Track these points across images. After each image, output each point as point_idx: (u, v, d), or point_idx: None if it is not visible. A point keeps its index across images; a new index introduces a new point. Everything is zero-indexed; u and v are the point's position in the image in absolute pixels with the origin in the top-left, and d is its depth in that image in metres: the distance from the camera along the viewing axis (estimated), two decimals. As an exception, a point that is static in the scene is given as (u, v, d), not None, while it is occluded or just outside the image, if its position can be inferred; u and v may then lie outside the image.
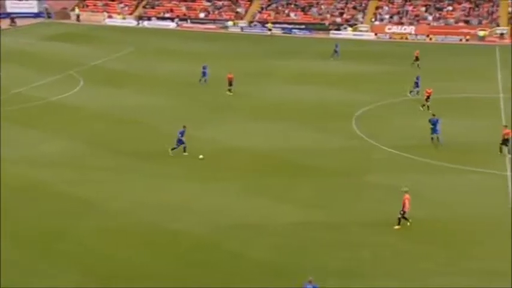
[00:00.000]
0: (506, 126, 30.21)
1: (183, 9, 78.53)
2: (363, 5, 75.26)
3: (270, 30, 71.35)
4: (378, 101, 40.60)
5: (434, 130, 31.37)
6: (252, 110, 38.84)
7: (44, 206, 24.47)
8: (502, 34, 66.35)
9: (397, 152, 30.69)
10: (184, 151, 30.05)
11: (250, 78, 45.39)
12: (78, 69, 49.83)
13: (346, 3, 76.07)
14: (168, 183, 26.95)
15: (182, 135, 30.05)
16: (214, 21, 75.68)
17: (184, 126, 30.35)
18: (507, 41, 65.45)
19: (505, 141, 29.62)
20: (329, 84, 45.60)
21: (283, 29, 72.25)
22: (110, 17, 78.40)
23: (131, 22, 77.05)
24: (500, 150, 29.76)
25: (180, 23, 75.76)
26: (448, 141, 32.09)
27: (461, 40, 66.89)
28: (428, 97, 37.90)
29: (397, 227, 22.64)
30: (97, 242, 21.75)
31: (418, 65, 50.27)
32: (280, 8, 76.76)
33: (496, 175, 27.63)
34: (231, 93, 41.83)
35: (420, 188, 26.19)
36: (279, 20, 73.85)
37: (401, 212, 22.63)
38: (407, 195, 22.77)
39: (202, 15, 77.20)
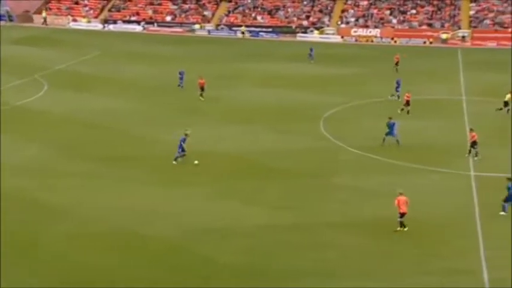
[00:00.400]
0: (472, 130, 31.01)
1: (150, 12, 78.15)
2: (329, 8, 76.24)
3: (243, 33, 71.63)
4: (345, 103, 41.25)
5: (390, 133, 32.03)
6: (221, 113, 39.01)
7: (14, 213, 24.13)
8: (463, 37, 68.11)
9: (363, 153, 31.28)
10: (175, 160, 29.58)
11: (219, 82, 45.57)
12: (42, 73, 49.16)
13: (313, 7, 76.94)
14: (138, 188, 26.90)
15: (184, 142, 29.59)
16: (181, 24, 75.52)
17: (186, 135, 29.83)
18: (468, 43, 67.26)
19: (473, 144, 30.45)
20: (297, 87, 46.11)
21: (250, 32, 72.64)
22: (74, 20, 77.46)
23: (97, 25, 76.30)
24: (469, 152, 30.57)
25: (146, 26, 75.39)
26: (413, 142, 32.86)
27: (425, 43, 68.40)
28: (407, 101, 38.32)
29: (400, 228, 22.73)
30: (69, 249, 21.60)
31: (396, 69, 50.70)
32: (247, 11, 77.13)
33: (459, 175, 28.42)
34: (202, 99, 41.71)
35: (386, 189, 26.77)
36: (246, 23, 74.19)
37: (399, 215, 22.71)
38: (400, 197, 22.95)
39: (168, 18, 76.97)
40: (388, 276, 20.22)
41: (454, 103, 41.55)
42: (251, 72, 51.77)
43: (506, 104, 38.47)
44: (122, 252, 21.42)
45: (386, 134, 32.18)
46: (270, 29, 73.18)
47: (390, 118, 32.67)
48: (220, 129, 35.33)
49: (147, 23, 75.88)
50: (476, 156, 30.21)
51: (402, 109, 38.24)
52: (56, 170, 28.80)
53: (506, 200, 24.15)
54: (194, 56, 59.03)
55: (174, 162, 29.55)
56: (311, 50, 57.17)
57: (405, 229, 22.81)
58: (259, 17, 75.81)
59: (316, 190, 26.95)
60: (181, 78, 44.87)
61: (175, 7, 78.89)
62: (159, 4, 79.38)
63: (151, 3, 79.40)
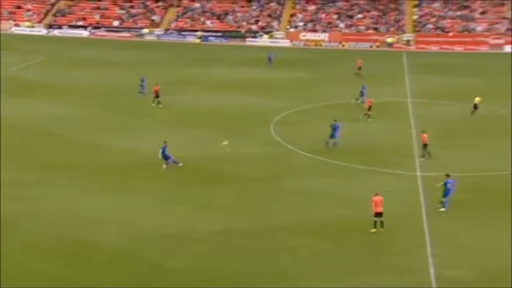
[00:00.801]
0: (424, 131, 31.87)
1: (96, 17, 76.86)
2: (278, 12, 77.03)
3: (199, 38, 71.38)
4: (295, 106, 41.75)
5: (333, 135, 32.70)
6: (172, 118, 38.80)
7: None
8: (408, 41, 70.19)
9: (314, 157, 31.77)
10: (165, 165, 29.57)
11: (170, 87, 45.28)
12: (-16, 80, 47.58)
13: (262, 11, 77.53)
14: (86, 195, 26.44)
15: (165, 151, 29.53)
16: (129, 29, 74.65)
17: (164, 142, 29.89)
18: (413, 47, 69.34)
19: (425, 146, 31.38)
20: (248, 91, 46.38)
21: (200, 36, 72.53)
22: (16, 25, 75.32)
23: (41, 30, 74.43)
24: (424, 156, 31.41)
25: (93, 31, 74.11)
26: (361, 144, 33.63)
27: (371, 47, 70.08)
28: (370, 107, 38.92)
29: (374, 230, 23.22)
30: (20, 258, 21.11)
31: (359, 74, 51.23)
32: (196, 16, 77.01)
33: (406, 176, 29.28)
34: (161, 105, 41.26)
35: (337, 190, 27.33)
36: (195, 28, 74.05)
37: (375, 215, 23.19)
38: (376, 197, 23.42)
39: (116, 23, 75.92)
40: (338, 277, 20.59)
41: (400, 105, 42.72)
42: (201, 77, 51.70)
43: (475, 106, 39.75)
44: (71, 260, 21.02)
45: (330, 137, 32.79)
46: (220, 34, 73.32)
47: (335, 121, 33.34)
48: (171, 134, 35.07)
49: (94, 28, 74.60)
50: (423, 157, 31.19)
51: (365, 114, 38.80)
52: (3, 179, 27.92)
53: (444, 196, 25.09)
54: (144, 61, 58.44)
55: (164, 166, 29.59)
56: (270, 54, 57.39)
57: (381, 229, 23.26)
58: (208, 22, 75.82)
59: (267, 194, 27.18)
60: (142, 86, 44.14)
61: (122, 12, 77.90)
62: (106, 9, 78.21)
63: (98, 8, 78.14)
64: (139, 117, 39.01)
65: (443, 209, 25.09)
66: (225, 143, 29.39)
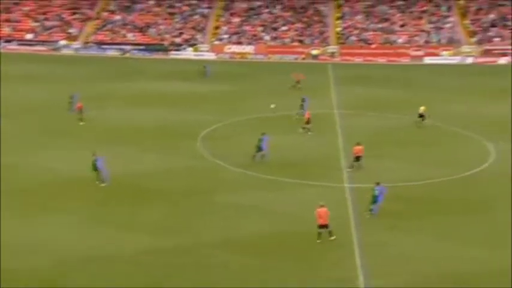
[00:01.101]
0: (358, 144, 32.71)
1: (7, 30, 74.07)
2: (202, 25, 77.30)
3: (124, 51, 70.30)
4: (223, 120, 41.95)
5: (261, 148, 33.09)
6: (93, 135, 37.91)
7: None
8: (333, 53, 72.38)
9: (242, 171, 31.99)
10: (101, 181, 28.94)
11: (92, 102, 44.23)
12: None
13: (185, 24, 77.55)
14: (5, 220, 25.21)
15: (98, 163, 28.83)
16: (43, 42, 72.42)
17: (93, 154, 29.36)
18: (338, 59, 71.55)
19: (357, 158, 32.19)
20: (173, 105, 46.11)
21: (121, 49, 71.53)
22: None
23: None
24: (352, 166, 32.28)
25: (4, 45, 71.29)
26: (289, 157, 34.21)
27: (296, 59, 71.64)
28: (308, 120, 39.25)
29: (319, 240, 23.65)
30: None
31: (299, 87, 51.63)
32: (116, 28, 75.89)
33: (334, 187, 30.02)
34: (82, 123, 40.15)
35: (266, 204, 27.61)
36: (116, 41, 72.95)
37: (318, 226, 23.59)
38: (320, 209, 23.81)
39: (29, 36, 73.49)
40: (271, 292, 20.78)
41: (327, 117, 43.83)
42: (124, 91, 50.94)
43: (421, 116, 41.17)
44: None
45: (258, 150, 33.16)
46: (142, 47, 72.59)
47: (263, 134, 33.78)
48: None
49: (6, 41, 71.83)
50: (351, 167, 32.06)
51: (304, 127, 39.26)
52: None
53: (373, 203, 26.02)
54: (62, 76, 56.87)
55: (102, 184, 29.03)
56: (205, 67, 57.28)
57: (332, 238, 23.72)
58: (129, 35, 74.91)
59: (196, 210, 27.07)
60: (71, 102, 42.69)
61: (36, 24, 75.54)
62: (18, 21, 75.56)
63: (8, 20, 75.34)
64: (60, 134, 37.88)
65: (370, 214, 26.00)
66: (273, 106, 29.18)
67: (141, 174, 31.05)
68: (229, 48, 73.39)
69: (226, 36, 75.72)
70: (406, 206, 27.50)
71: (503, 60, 69.24)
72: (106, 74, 59.08)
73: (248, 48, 73.43)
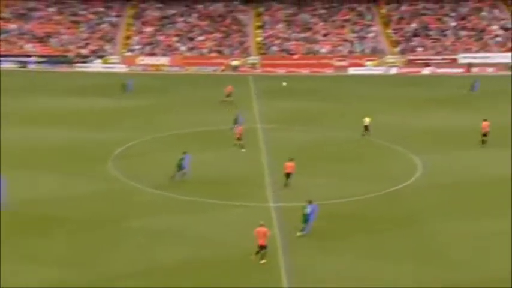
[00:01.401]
0: (291, 160, 32.86)
1: None
2: (111, 35, 76.12)
3: (22, 64, 68.03)
4: (138, 137, 41.29)
5: (181, 167, 32.97)
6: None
7: None
8: (254, 64, 73.32)
9: (160, 192, 31.53)
10: None
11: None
12: None
13: (92, 33, 76.10)
14: None
15: None
16: None
17: None
18: (259, 70, 72.54)
19: (287, 175, 32.46)
20: (81, 123, 44.92)
21: (18, 62, 69.10)
22: None
23: None
24: (286, 184, 32.52)
25: None
26: (211, 176, 34.09)
27: (215, 70, 71.98)
28: (240, 135, 39.22)
29: (263, 261, 23.69)
30: None
31: (231, 101, 51.50)
32: (12, 38, 73.30)
33: (259, 207, 30.16)
34: None
35: (186, 228, 27.31)
36: (12, 53, 70.43)
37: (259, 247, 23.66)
38: (259, 229, 23.91)
39: None
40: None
41: (249, 132, 44.11)
42: (23, 109, 49.14)
43: (366, 128, 42.11)
44: None
45: (178, 169, 32.95)
46: (44, 59, 70.50)
47: (185, 152, 33.60)
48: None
49: None
50: (286, 186, 32.39)
51: (235, 144, 39.17)
52: None
53: (304, 222, 26.46)
54: None
55: None
56: (129, 81, 56.52)
57: (263, 261, 23.69)
58: (28, 45, 72.54)
59: (105, 238, 26.29)
60: None
61: None
62: None
63: None
64: None
65: (301, 233, 26.33)
66: (284, 84, 28.33)
67: (44, 201, 29.89)
68: (142, 60, 72.68)
69: (138, 47, 74.95)
70: (333, 225, 28.02)
71: (426, 71, 72.78)
72: (2, 89, 56.75)
73: (163, 60, 73.02)
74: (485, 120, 40.92)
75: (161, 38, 76.68)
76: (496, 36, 77.24)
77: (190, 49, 75.64)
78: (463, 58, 73.93)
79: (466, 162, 37.69)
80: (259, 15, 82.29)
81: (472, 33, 77.89)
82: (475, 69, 72.22)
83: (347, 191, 32.20)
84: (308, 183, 32.96)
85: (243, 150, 38.96)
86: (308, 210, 26.56)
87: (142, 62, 72.42)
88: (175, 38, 76.95)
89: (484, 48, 75.42)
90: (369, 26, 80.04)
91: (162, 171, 33.98)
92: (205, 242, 26.03)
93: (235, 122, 42.56)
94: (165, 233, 26.78)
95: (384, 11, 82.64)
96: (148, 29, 77.94)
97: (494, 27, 78.74)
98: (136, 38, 76.40)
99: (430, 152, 39.15)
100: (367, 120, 42.73)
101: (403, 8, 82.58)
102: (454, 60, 74.10)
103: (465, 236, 26.96)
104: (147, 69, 71.46)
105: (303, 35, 78.30)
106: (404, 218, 29.15)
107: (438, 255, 25.09)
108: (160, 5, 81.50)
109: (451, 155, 38.89)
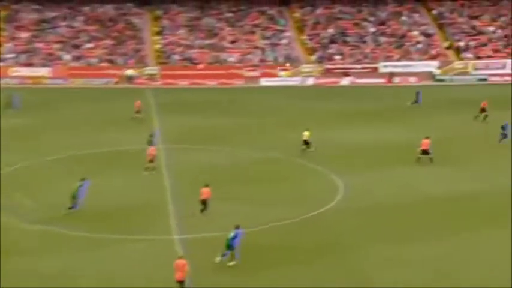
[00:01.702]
0: (207, 185, 32.68)
1: None
2: (-22, 41, 73.54)
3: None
4: (17, 163, 40.10)
5: (78, 196, 32.40)
6: None
7: None
8: (152, 75, 72.79)
9: (46, 228, 30.51)
10: None
11: None
12: None
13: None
14: None
15: None
16: None
17: None
18: (159, 82, 72.08)
19: (203, 202, 32.21)
20: None
21: None
22: None
23: None
24: (201, 211, 32.32)
25: None
26: (108, 205, 33.42)
27: (107, 83, 70.91)
28: (153, 157, 39.06)
29: None
30: None
31: (138, 118, 51.80)
32: None
33: (162, 240, 29.75)
34: None
35: (75, 270, 26.49)
36: None
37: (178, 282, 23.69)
38: (178, 261, 24.13)
39: None
40: None
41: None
42: None
43: (306, 142, 43.24)
44: None
45: (73, 199, 32.24)
46: None
47: (83, 179, 33.08)
48: None
49: None
50: (202, 211, 32.29)
51: (147, 166, 38.93)
52: None
53: (228, 248, 26.77)
54: None
55: None
56: (14, 97, 55.27)
57: None
58: None
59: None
60: None
61: None
62: None
63: None
64: None
65: (220, 258, 26.58)
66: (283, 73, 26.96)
67: None
68: (17, 71, 70.51)
69: (11, 55, 72.66)
70: (251, 257, 28.12)
71: (345, 81, 75.08)
72: None
73: (43, 71, 71.17)
74: (427, 137, 42.24)
75: (40, 45, 74.77)
76: (417, 42, 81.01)
77: (76, 58, 74.15)
78: (384, 67, 76.94)
79: (393, 181, 38.89)
80: (156, 19, 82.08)
81: (392, 39, 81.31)
82: (396, 79, 75.29)
83: (264, 217, 32.40)
84: (219, 210, 32.92)
85: (145, 173, 38.53)
86: (231, 234, 26.67)
87: (17, 74, 70.27)
88: (56, 46, 75.23)
89: (406, 56, 78.83)
90: (282, 31, 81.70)
91: (48, 202, 33.17)
92: (97, 284, 25.35)
93: (150, 142, 42.47)
94: (49, 277, 25.79)
95: (297, 15, 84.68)
96: (24, 35, 75.81)
97: (415, 32, 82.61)
98: (8, 45, 74.01)
99: (354, 171, 40.14)
100: (306, 134, 43.81)
101: (318, 11, 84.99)
102: (375, 69, 76.94)
103: (389, 262, 27.74)
104: (24, 82, 69.33)
105: (208, 41, 78.76)
106: (328, 245, 29.56)
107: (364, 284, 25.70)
108: (38, 7, 79.65)
109: (378, 173, 39.99)
